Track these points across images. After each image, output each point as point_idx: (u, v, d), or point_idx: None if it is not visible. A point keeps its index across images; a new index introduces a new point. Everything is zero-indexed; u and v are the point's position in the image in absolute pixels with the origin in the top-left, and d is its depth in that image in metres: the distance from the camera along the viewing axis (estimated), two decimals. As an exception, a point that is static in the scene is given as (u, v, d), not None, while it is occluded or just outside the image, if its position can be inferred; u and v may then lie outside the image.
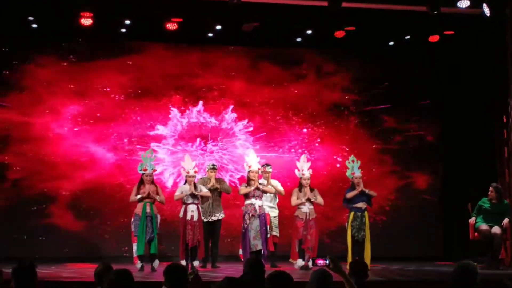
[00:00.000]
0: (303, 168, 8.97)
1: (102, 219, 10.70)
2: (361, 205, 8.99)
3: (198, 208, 8.87)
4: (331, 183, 11.04)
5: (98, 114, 10.80)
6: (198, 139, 11.04)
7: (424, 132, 11.51)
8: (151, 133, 10.94)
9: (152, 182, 8.87)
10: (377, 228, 10.62)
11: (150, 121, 10.95)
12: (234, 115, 11.21)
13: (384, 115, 11.50)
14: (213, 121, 11.14)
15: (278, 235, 9.42)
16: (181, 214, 8.87)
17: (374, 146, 11.46)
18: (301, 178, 8.96)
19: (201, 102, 11.08)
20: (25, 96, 10.52)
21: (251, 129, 11.18)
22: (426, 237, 11.05)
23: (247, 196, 8.85)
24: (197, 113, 11.14)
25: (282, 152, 11.27)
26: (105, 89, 10.90)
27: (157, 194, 8.85)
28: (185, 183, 8.98)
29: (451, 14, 9.91)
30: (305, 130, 11.34)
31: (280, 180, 9.75)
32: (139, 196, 8.76)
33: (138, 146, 10.78)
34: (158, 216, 8.91)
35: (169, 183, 10.85)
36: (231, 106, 11.18)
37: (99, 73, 10.86)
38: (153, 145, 10.69)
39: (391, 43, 11.04)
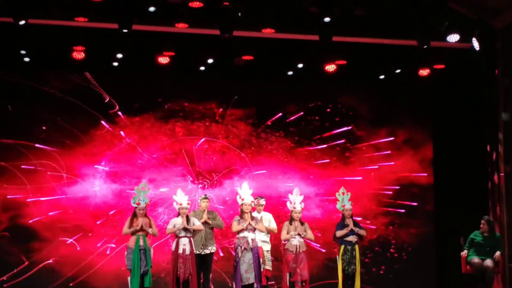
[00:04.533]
0: (295, 201, 9.28)
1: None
2: (352, 238, 9.36)
3: (190, 241, 9.12)
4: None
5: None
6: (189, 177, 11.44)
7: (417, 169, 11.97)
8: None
9: (145, 215, 9.18)
10: (373, 261, 11.20)
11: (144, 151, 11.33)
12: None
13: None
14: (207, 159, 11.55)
15: (270, 268, 9.56)
16: (173, 247, 9.14)
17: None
18: (292, 211, 9.27)
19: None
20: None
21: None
22: (420, 270, 11.56)
23: (239, 230, 9.13)
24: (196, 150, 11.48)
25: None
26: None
27: (150, 226, 9.12)
28: (177, 216, 9.22)
29: (441, 48, 10.45)
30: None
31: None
32: (132, 229, 9.01)
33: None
34: (151, 249, 9.15)
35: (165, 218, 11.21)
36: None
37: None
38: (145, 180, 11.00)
39: (382, 76, 11.60)
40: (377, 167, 11.93)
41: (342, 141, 11.99)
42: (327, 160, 11.90)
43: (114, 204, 11.32)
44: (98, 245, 11.16)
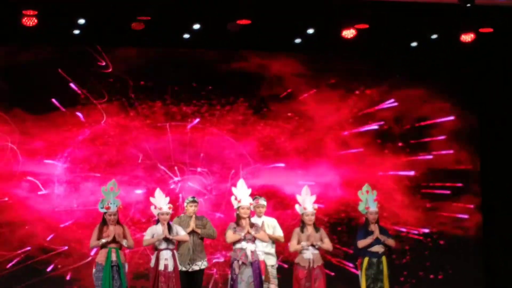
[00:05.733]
0: (305, 201, 9.03)
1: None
2: (378, 249, 9.12)
3: (173, 255, 8.85)
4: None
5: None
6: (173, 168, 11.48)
7: (456, 156, 12.20)
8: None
9: (118, 222, 8.88)
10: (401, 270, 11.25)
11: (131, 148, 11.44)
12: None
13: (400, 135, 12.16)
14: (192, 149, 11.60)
15: None
16: (153, 262, 8.86)
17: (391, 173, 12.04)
18: (303, 214, 9.01)
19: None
20: None
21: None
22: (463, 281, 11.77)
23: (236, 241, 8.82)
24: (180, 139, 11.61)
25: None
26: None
27: (124, 237, 8.83)
28: (156, 223, 9.00)
29: (488, 7, 10.24)
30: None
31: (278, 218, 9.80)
32: (102, 241, 8.74)
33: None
34: (126, 265, 8.89)
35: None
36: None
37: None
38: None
39: (414, 44, 11.46)
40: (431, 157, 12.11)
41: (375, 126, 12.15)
42: (361, 149, 12.05)
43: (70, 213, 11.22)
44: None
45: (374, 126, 12.23)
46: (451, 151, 12.26)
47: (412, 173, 12.18)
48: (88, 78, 11.48)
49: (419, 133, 12.26)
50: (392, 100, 12.27)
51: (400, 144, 12.20)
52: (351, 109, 12.15)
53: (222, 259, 10.40)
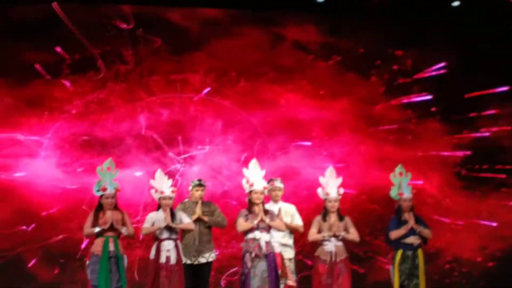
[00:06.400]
0: (329, 185, 8.99)
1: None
2: (413, 240, 9.01)
3: (177, 246, 8.81)
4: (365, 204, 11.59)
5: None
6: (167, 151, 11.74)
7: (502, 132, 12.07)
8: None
9: (116, 207, 8.80)
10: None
11: (113, 123, 11.56)
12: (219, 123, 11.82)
13: (438, 110, 12.09)
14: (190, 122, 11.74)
15: (294, 285, 9.26)
16: (153, 254, 8.80)
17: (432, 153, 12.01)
18: (325, 200, 8.95)
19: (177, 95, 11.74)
20: None
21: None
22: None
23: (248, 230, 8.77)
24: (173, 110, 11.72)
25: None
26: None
27: (123, 224, 8.77)
28: (157, 210, 8.98)
29: None
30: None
31: (297, 205, 9.65)
32: (98, 228, 8.69)
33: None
34: (125, 257, 8.83)
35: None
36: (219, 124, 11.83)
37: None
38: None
39: (456, 3, 11.48)
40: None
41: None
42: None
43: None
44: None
45: (414, 99, 12.19)
46: (508, 128, 12.12)
47: (459, 153, 12.11)
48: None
49: (465, 106, 12.10)
50: (437, 66, 12.20)
51: (444, 119, 12.14)
52: (384, 78, 12.08)
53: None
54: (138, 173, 11.48)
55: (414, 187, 9.35)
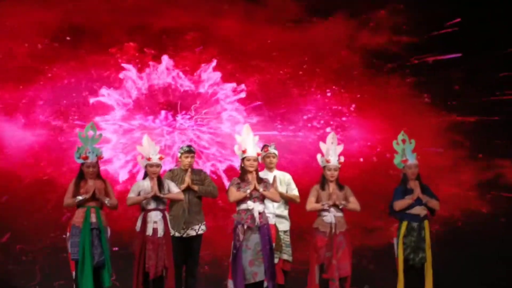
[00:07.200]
0: (330, 152, 8.72)
1: (15, 235, 10.87)
2: (419, 210, 8.78)
3: (164, 217, 8.67)
4: (370, 176, 11.24)
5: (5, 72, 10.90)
6: (163, 111, 11.26)
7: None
8: (92, 100, 11.14)
9: (98, 175, 8.67)
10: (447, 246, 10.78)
11: (89, 83, 11.10)
12: (219, 73, 11.36)
13: (455, 70, 11.60)
14: (186, 82, 11.34)
15: (290, 259, 9.15)
16: (138, 226, 8.63)
17: (439, 119, 11.61)
18: (324, 167, 8.70)
19: (167, 54, 11.33)
20: None
21: (243, 94, 11.36)
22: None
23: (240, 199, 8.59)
24: (162, 70, 11.30)
25: (294, 130, 11.49)
26: (14, 32, 10.97)
27: (106, 194, 8.65)
28: (144, 178, 8.78)
29: None
30: (329, 93, 11.52)
31: (293, 175, 9.46)
32: (79, 198, 8.53)
33: (74, 121, 10.89)
34: (108, 229, 8.69)
35: (121, 177, 10.97)
36: (214, 60, 11.32)
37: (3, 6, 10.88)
38: (96, 119, 10.81)
39: None
40: None
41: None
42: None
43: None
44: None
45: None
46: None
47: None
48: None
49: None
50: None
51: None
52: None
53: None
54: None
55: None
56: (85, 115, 11.01)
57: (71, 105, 11.13)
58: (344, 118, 11.67)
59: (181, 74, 11.37)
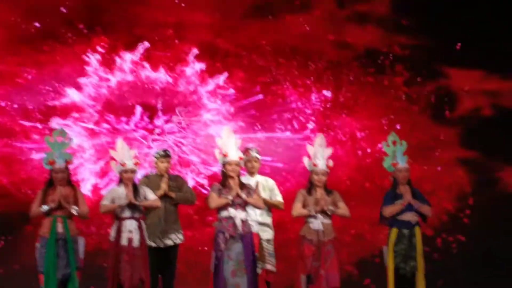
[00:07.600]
0: (317, 155, 8.59)
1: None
2: (410, 217, 8.65)
3: (140, 226, 8.49)
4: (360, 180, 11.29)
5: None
6: (139, 110, 11.14)
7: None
8: (57, 102, 11.07)
9: (69, 182, 8.49)
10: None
11: (52, 81, 11.00)
12: (202, 65, 11.29)
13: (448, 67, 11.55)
14: (163, 77, 11.17)
15: (274, 269, 9.03)
16: (112, 235, 8.46)
17: (429, 119, 11.58)
18: (312, 171, 8.56)
19: (142, 46, 11.20)
20: None
21: (231, 91, 11.29)
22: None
23: (222, 206, 8.50)
24: (134, 64, 11.14)
25: (282, 131, 11.45)
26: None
27: (75, 202, 8.42)
28: (118, 184, 8.61)
29: None
30: (313, 96, 11.46)
31: (276, 180, 9.35)
32: (45, 207, 8.34)
33: (36, 124, 10.80)
34: (80, 239, 8.53)
35: (87, 187, 10.96)
36: (194, 51, 11.25)
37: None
38: (59, 122, 10.78)
39: None
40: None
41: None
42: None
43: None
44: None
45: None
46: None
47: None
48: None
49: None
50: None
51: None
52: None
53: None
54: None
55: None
56: (46, 116, 11.03)
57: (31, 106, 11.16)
58: (334, 121, 11.68)
59: (157, 70, 11.31)
